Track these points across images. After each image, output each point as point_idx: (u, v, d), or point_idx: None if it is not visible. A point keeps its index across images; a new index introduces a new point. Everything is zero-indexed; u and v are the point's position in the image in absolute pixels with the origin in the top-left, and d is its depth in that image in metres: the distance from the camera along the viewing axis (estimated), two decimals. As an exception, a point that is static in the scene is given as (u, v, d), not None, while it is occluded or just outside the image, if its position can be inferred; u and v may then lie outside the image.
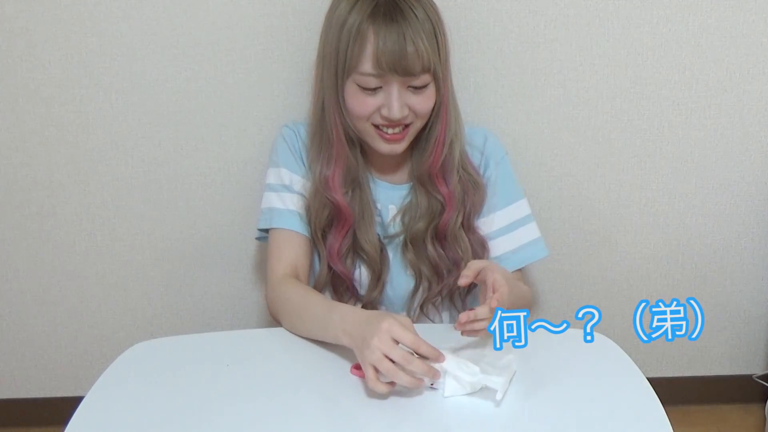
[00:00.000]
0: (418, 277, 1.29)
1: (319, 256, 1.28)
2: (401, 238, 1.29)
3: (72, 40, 1.52)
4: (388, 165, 1.30)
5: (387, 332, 0.93)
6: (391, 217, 1.30)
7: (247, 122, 1.60)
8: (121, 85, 1.56)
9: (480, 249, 1.30)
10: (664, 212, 1.74)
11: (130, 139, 1.60)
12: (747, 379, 1.92)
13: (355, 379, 0.99)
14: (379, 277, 1.27)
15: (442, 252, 1.28)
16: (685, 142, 1.68)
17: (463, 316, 0.99)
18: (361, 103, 1.16)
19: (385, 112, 1.15)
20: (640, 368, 1.03)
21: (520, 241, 1.33)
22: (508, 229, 1.33)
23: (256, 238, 1.38)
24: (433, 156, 1.24)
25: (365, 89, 1.14)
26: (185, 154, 1.62)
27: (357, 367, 1.01)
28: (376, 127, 1.19)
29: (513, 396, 0.95)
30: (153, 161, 1.62)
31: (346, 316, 1.02)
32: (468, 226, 1.29)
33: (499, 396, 0.92)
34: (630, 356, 1.06)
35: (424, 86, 1.16)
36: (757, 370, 1.92)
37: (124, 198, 1.65)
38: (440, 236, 1.28)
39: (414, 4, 1.13)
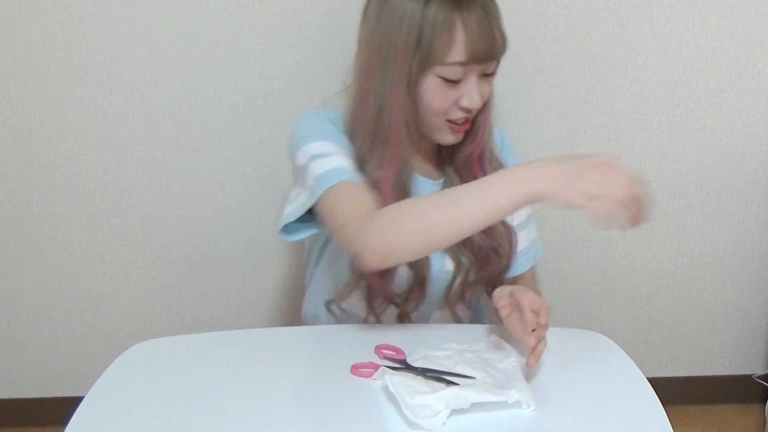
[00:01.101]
0: (458, 267, 1.24)
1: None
2: None
3: (72, 40, 1.52)
4: (425, 159, 1.26)
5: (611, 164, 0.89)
6: None
7: (247, 122, 1.60)
8: (121, 85, 1.56)
9: (511, 239, 1.26)
10: (664, 212, 1.74)
11: (130, 139, 1.60)
12: (747, 379, 1.92)
13: (355, 379, 0.99)
14: (421, 277, 1.19)
15: (486, 239, 1.22)
16: (685, 142, 1.68)
17: (532, 359, 0.98)
18: (442, 97, 1.11)
19: (465, 102, 1.12)
20: (640, 368, 1.03)
21: (531, 236, 1.33)
22: (526, 223, 1.31)
23: (282, 233, 1.21)
24: (476, 141, 1.21)
25: (449, 81, 1.10)
26: (185, 154, 1.62)
27: (357, 367, 1.01)
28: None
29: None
30: (153, 161, 1.62)
31: (522, 167, 0.94)
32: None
33: (530, 407, 0.92)
34: (630, 356, 1.06)
35: (493, 72, 1.14)
36: (757, 370, 1.92)
37: (124, 198, 1.65)
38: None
39: None
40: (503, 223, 1.24)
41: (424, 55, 1.07)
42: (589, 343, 1.12)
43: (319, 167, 1.10)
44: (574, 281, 1.79)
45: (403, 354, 1.04)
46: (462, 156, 1.22)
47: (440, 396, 0.91)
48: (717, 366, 1.92)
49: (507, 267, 1.25)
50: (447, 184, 1.24)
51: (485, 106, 1.18)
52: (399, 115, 1.12)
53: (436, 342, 1.08)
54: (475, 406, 0.90)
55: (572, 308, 1.82)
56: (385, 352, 1.04)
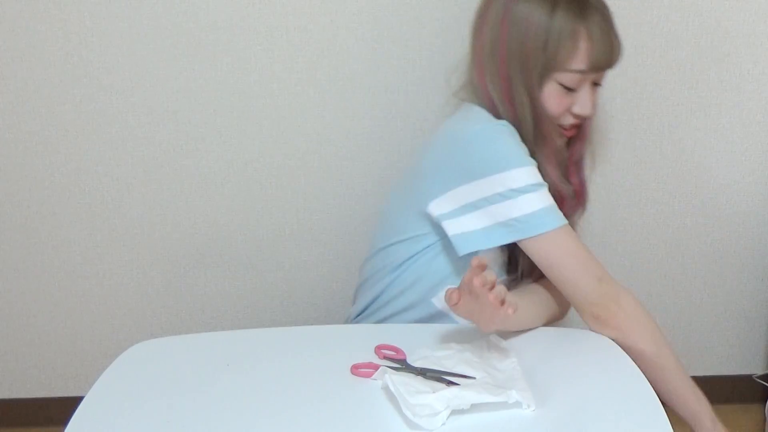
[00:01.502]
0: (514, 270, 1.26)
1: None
2: None
3: (72, 40, 1.52)
4: None
5: None
6: None
7: (246, 122, 1.60)
8: (121, 85, 1.56)
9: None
10: (664, 212, 1.74)
11: (130, 139, 1.60)
12: (747, 379, 1.92)
13: (355, 379, 0.99)
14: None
15: None
16: (685, 142, 1.68)
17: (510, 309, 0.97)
18: (559, 103, 1.16)
19: (577, 109, 1.17)
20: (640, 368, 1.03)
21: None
22: None
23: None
24: (576, 145, 1.25)
25: (566, 88, 1.15)
26: (185, 154, 1.62)
27: (357, 367, 1.01)
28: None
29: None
30: (153, 161, 1.62)
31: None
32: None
33: (531, 407, 0.92)
34: (630, 356, 1.06)
35: (599, 86, 1.20)
36: (757, 370, 1.92)
37: (124, 198, 1.65)
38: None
39: None
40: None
41: (548, 62, 1.12)
42: (589, 343, 1.12)
43: (534, 202, 1.10)
44: (574, 281, 1.79)
45: (403, 354, 1.04)
46: (560, 157, 1.24)
47: (440, 396, 0.91)
48: (717, 366, 1.92)
49: None
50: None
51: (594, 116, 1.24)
52: (546, 116, 1.16)
53: (436, 342, 1.08)
54: (475, 406, 0.90)
55: (572, 308, 1.82)
56: (385, 352, 1.04)
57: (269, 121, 1.60)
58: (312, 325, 1.26)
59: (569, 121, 1.19)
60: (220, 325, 1.76)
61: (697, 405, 1.12)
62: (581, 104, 1.17)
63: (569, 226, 1.12)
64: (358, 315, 1.35)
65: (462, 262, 1.18)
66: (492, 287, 0.95)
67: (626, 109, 1.64)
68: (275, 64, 1.56)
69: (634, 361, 1.06)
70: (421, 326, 1.17)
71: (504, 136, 1.13)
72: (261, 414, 0.93)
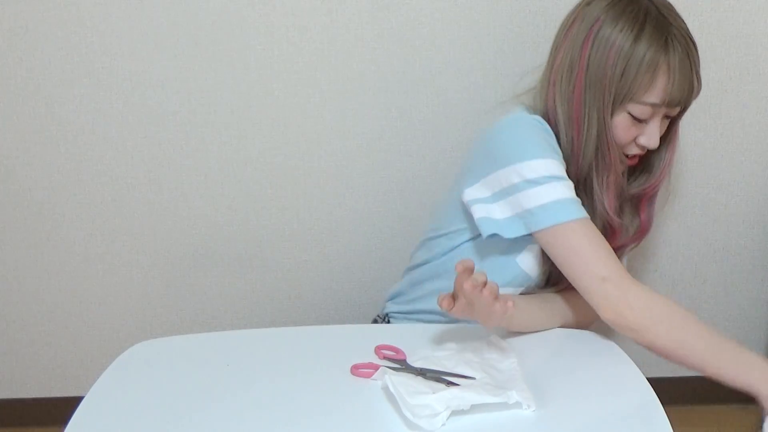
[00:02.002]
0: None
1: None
2: None
3: (72, 40, 1.52)
4: None
5: None
6: None
7: (246, 122, 1.60)
8: (121, 85, 1.56)
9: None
10: (664, 212, 1.74)
11: (130, 139, 1.60)
12: (747, 379, 1.92)
13: (355, 379, 0.99)
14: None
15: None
16: (685, 142, 1.68)
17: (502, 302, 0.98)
18: (626, 133, 1.15)
19: (643, 141, 1.15)
20: (640, 368, 1.03)
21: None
22: None
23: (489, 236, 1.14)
24: (654, 180, 1.24)
25: (637, 119, 1.13)
26: (185, 154, 1.62)
27: (357, 368, 1.01)
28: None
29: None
30: (153, 161, 1.62)
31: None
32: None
33: (531, 408, 0.92)
34: (630, 356, 1.06)
35: (673, 117, 1.18)
36: (757, 370, 1.92)
37: (124, 198, 1.65)
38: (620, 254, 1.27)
39: (691, 33, 1.13)
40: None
41: (623, 89, 1.11)
42: (589, 343, 1.12)
43: (546, 194, 1.09)
44: (574, 281, 1.79)
45: (403, 354, 1.04)
46: (635, 190, 1.25)
47: (440, 397, 0.91)
48: (717, 366, 1.91)
49: None
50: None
51: (670, 148, 1.22)
52: (614, 145, 1.15)
53: (436, 342, 1.08)
54: (475, 407, 0.90)
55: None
56: (385, 352, 1.04)
57: (269, 121, 1.60)
58: (312, 325, 1.27)
59: (633, 151, 1.18)
60: (220, 325, 1.76)
61: (747, 377, 1.07)
62: (648, 136, 1.15)
63: (584, 221, 1.09)
64: (395, 296, 1.39)
65: (492, 260, 1.20)
66: (483, 286, 0.95)
67: (626, 109, 1.64)
68: (275, 64, 1.56)
69: (663, 356, 1.06)
70: (421, 326, 1.17)
71: (529, 128, 1.14)
72: (261, 414, 0.93)
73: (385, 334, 1.11)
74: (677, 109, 1.16)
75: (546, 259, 1.17)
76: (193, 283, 1.74)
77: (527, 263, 1.18)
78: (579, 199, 1.11)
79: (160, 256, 1.71)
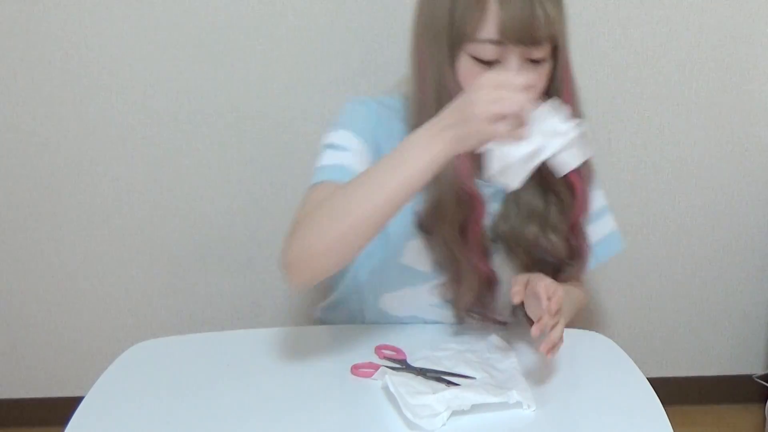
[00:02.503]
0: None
1: (458, 262, 1.08)
2: (505, 242, 1.13)
3: (72, 40, 1.52)
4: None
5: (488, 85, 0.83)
6: (493, 219, 1.13)
7: (247, 122, 1.60)
8: (121, 86, 1.56)
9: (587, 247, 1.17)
10: (664, 212, 1.74)
11: (130, 139, 1.60)
12: (747, 379, 1.92)
13: (355, 379, 0.99)
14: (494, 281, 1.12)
15: (569, 248, 1.13)
16: (685, 142, 1.68)
17: (536, 330, 0.92)
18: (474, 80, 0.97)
19: None
20: (640, 368, 1.03)
21: (603, 231, 1.20)
22: (596, 217, 1.19)
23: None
24: None
25: (481, 62, 0.98)
26: (185, 154, 1.62)
27: (357, 367, 1.01)
28: None
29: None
30: (153, 161, 1.62)
31: (424, 128, 0.89)
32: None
33: (531, 408, 0.91)
34: (630, 356, 1.06)
35: (543, 59, 1.01)
36: (757, 370, 1.92)
37: (124, 198, 1.65)
38: (573, 232, 1.13)
39: None
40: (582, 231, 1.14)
41: (455, 29, 0.99)
42: (589, 343, 1.12)
43: (326, 158, 1.08)
44: (574, 281, 1.79)
45: (403, 354, 1.04)
46: None
47: (440, 397, 0.91)
48: (717, 366, 1.92)
49: (579, 272, 1.17)
50: (521, 189, 1.09)
51: (561, 97, 1.04)
52: (456, 93, 0.99)
53: (436, 342, 1.08)
54: (476, 407, 0.90)
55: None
56: (385, 352, 1.04)
57: (269, 121, 1.60)
58: (312, 325, 1.27)
59: None
60: (220, 325, 1.76)
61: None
62: None
63: (321, 185, 1.04)
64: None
65: (380, 264, 1.16)
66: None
67: (626, 109, 1.64)
68: (275, 65, 1.56)
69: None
70: (422, 326, 1.17)
71: (358, 104, 1.12)
72: (261, 414, 0.93)
73: (385, 334, 1.11)
74: (539, 50, 0.99)
75: (434, 246, 1.09)
76: (193, 283, 1.74)
77: (412, 259, 1.12)
78: (342, 165, 1.04)
79: (160, 256, 1.71)
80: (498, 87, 0.83)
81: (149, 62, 1.54)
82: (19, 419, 1.85)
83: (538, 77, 1.00)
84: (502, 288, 1.11)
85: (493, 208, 1.11)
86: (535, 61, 0.99)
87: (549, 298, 0.96)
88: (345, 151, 1.07)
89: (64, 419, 0.91)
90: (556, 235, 1.11)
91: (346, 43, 1.56)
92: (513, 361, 1.01)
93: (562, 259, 1.13)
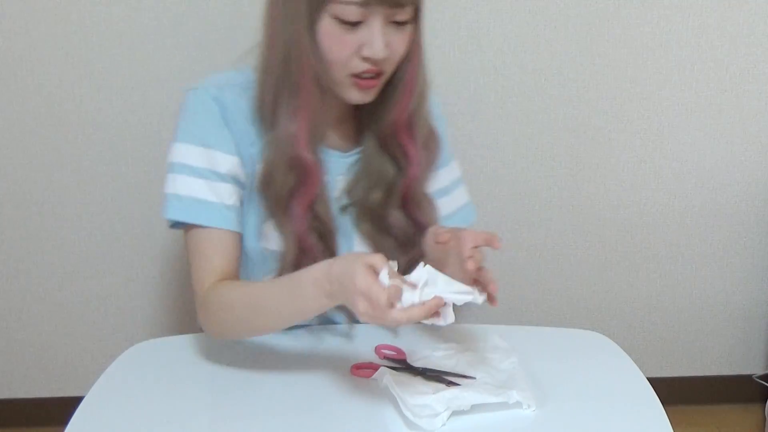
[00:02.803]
0: (378, 251, 1.10)
1: (283, 234, 1.07)
2: (354, 210, 1.13)
3: (72, 40, 1.52)
4: (337, 125, 1.12)
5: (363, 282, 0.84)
6: (340, 189, 1.13)
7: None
8: (121, 85, 1.56)
9: (434, 212, 1.16)
10: (664, 212, 1.74)
11: (130, 139, 1.60)
12: (747, 379, 1.92)
13: (355, 380, 0.99)
14: (332, 254, 1.08)
15: (410, 220, 1.13)
16: (685, 142, 1.68)
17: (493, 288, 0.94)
18: (339, 42, 0.97)
19: (367, 51, 0.97)
20: (640, 368, 1.03)
21: (458, 203, 1.22)
22: (451, 188, 1.22)
23: (171, 227, 1.08)
24: (402, 103, 1.06)
25: (345, 23, 0.96)
26: (185, 154, 1.62)
27: (357, 368, 1.01)
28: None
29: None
30: (152, 161, 1.62)
31: (312, 283, 0.91)
32: (427, 192, 1.16)
33: (531, 408, 0.91)
34: (630, 356, 1.06)
35: (406, 22, 1.00)
36: (757, 370, 1.92)
37: (124, 198, 1.65)
38: (406, 201, 1.12)
39: None
40: (428, 199, 1.16)
41: None
42: (589, 343, 1.12)
43: (179, 185, 1.04)
44: (574, 281, 1.79)
45: (403, 354, 1.04)
46: (387, 122, 1.08)
47: (440, 397, 0.91)
48: (717, 366, 1.92)
49: None
50: (363, 158, 1.12)
51: (411, 62, 1.05)
52: (307, 60, 0.99)
53: (436, 342, 1.08)
54: (476, 406, 0.90)
55: (572, 308, 1.82)
56: (385, 352, 1.04)
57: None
58: (312, 325, 1.26)
59: (360, 67, 0.99)
60: (220, 325, 1.76)
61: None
62: (370, 44, 0.97)
63: (210, 231, 1.03)
64: None
65: (245, 255, 1.13)
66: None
67: (626, 109, 1.64)
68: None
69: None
70: (422, 326, 1.17)
71: (194, 99, 1.06)
72: (261, 414, 0.93)
73: (385, 334, 1.11)
74: (403, 12, 0.98)
75: (289, 223, 1.06)
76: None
77: (268, 241, 1.09)
78: (197, 199, 1.03)
79: (160, 256, 1.71)
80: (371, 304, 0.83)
81: (149, 62, 1.54)
82: (19, 419, 1.85)
83: (401, 40, 1.00)
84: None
85: (343, 179, 1.12)
86: (398, 24, 0.99)
87: (488, 241, 0.97)
88: (218, 181, 1.04)
89: (64, 419, 0.91)
90: (399, 204, 1.12)
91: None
92: (513, 361, 1.01)
93: (404, 230, 1.13)
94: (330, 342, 1.12)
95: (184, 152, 1.05)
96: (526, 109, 1.62)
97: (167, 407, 0.95)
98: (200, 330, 1.10)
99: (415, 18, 1.02)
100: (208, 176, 1.04)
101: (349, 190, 1.13)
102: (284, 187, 1.04)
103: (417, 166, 1.11)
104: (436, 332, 1.12)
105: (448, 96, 1.60)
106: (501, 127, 1.63)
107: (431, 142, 1.14)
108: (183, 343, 1.11)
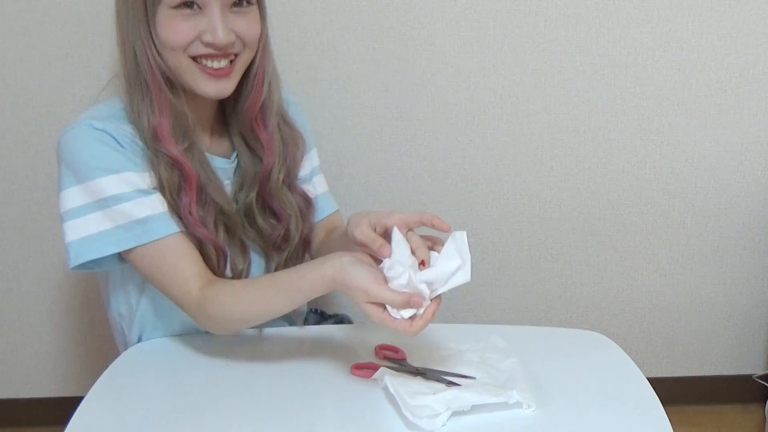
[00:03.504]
0: (266, 253, 1.17)
1: (192, 233, 1.07)
2: (240, 215, 1.15)
3: (72, 40, 1.52)
4: (214, 133, 1.16)
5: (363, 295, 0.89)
6: (230, 195, 1.15)
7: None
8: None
9: (306, 207, 1.20)
10: (664, 212, 1.74)
11: (130, 139, 1.60)
12: (747, 379, 1.92)
13: (355, 380, 0.99)
14: (243, 246, 1.13)
15: (273, 220, 1.16)
16: (685, 142, 1.68)
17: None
18: (175, 30, 1.00)
19: (208, 37, 1.00)
20: (640, 368, 1.03)
21: (316, 191, 1.26)
22: (318, 170, 1.27)
23: (75, 267, 1.05)
24: (254, 94, 1.10)
25: (179, 9, 0.99)
26: (185, 154, 1.62)
27: (357, 368, 1.01)
28: (196, 61, 1.03)
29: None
30: (153, 161, 1.62)
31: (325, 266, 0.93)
32: (291, 184, 1.18)
33: (531, 408, 0.91)
34: (630, 356, 1.06)
35: (248, 7, 1.04)
36: (757, 370, 1.92)
37: (124, 198, 1.65)
38: (266, 198, 1.15)
39: None
40: (295, 191, 1.18)
41: None
42: (589, 343, 1.12)
43: (123, 214, 1.02)
44: (574, 281, 1.79)
45: (403, 354, 1.04)
46: (244, 116, 1.12)
47: (440, 397, 0.91)
48: (717, 366, 1.92)
49: (309, 231, 1.21)
50: (239, 160, 1.15)
51: (259, 53, 1.09)
52: (150, 54, 1.02)
53: (436, 342, 1.08)
54: (476, 407, 0.90)
55: (572, 308, 1.82)
56: (385, 352, 1.04)
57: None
58: (312, 325, 1.26)
59: (201, 50, 1.01)
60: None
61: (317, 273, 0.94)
62: (210, 30, 1.00)
63: (166, 240, 1.02)
64: None
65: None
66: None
67: (626, 109, 1.64)
68: (276, 64, 1.55)
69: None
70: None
71: (91, 142, 1.06)
72: (261, 414, 0.93)
73: (385, 334, 1.11)
74: None
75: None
76: (193, 283, 1.74)
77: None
78: (162, 212, 1.03)
79: (160, 256, 1.71)
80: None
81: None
82: (19, 419, 1.85)
83: (246, 23, 1.04)
84: (244, 258, 1.12)
85: (230, 185, 1.15)
86: (239, 7, 1.02)
87: (426, 222, 0.96)
88: (143, 197, 1.03)
89: (64, 419, 0.91)
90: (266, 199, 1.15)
91: (347, 43, 1.56)
92: (513, 361, 1.01)
93: (271, 225, 1.15)
94: (330, 342, 1.12)
95: (116, 184, 1.02)
96: (526, 109, 1.62)
97: (167, 407, 0.95)
98: (199, 330, 1.10)
99: (261, 5, 1.06)
100: (133, 197, 1.02)
101: (235, 196, 1.16)
102: (171, 185, 1.05)
103: (271, 154, 1.14)
104: (436, 332, 1.12)
105: (448, 96, 1.61)
106: (501, 127, 1.63)
107: (286, 130, 1.18)
108: (183, 343, 1.11)
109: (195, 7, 1.00)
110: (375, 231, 0.96)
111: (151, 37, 1.01)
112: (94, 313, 1.76)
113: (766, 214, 1.77)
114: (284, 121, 1.18)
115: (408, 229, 0.95)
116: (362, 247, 0.96)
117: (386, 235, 0.95)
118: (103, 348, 1.78)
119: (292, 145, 1.18)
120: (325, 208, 1.27)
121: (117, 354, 1.10)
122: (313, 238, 1.23)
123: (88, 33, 1.52)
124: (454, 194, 1.69)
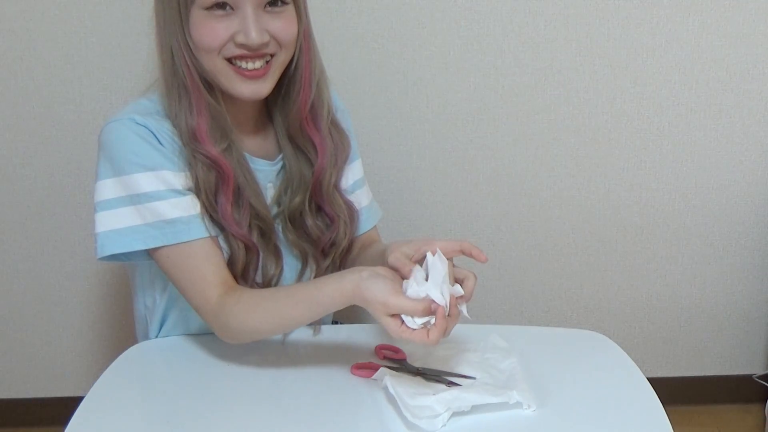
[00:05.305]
0: (304, 259, 1.15)
1: (226, 236, 1.07)
2: (282, 218, 1.14)
3: (72, 40, 1.52)
4: (258, 134, 1.15)
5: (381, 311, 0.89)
6: (271, 198, 1.14)
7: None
8: (122, 85, 1.56)
9: (350, 212, 1.18)
10: (664, 212, 1.74)
11: (130, 139, 1.60)
12: (747, 379, 1.92)
13: (355, 380, 0.99)
14: (277, 251, 1.11)
15: (321, 223, 1.15)
16: (685, 142, 1.68)
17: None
18: (209, 31, 0.99)
19: (241, 38, 0.99)
20: (640, 368, 1.03)
21: (369, 195, 1.26)
22: (362, 183, 1.24)
23: (102, 258, 1.10)
24: (302, 95, 1.09)
25: (212, 10, 0.98)
26: (185, 154, 1.62)
27: (357, 368, 1.01)
28: (231, 63, 1.02)
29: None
30: (153, 161, 1.62)
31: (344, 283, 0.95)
32: (338, 186, 1.16)
33: (531, 408, 0.91)
34: (630, 356, 1.06)
35: (283, 6, 1.02)
36: (757, 370, 1.92)
37: (124, 198, 1.65)
38: (317, 201, 1.14)
39: None
40: (341, 194, 1.17)
41: None
42: (589, 343, 1.12)
43: (155, 212, 1.02)
44: (574, 281, 1.79)
45: (403, 354, 1.04)
46: (292, 117, 1.10)
47: (441, 398, 0.91)
48: (717, 366, 1.92)
49: (352, 241, 1.19)
50: (285, 163, 1.14)
51: (303, 52, 1.07)
52: (188, 59, 1.02)
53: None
54: (476, 407, 0.90)
55: (572, 308, 1.82)
56: (385, 352, 1.04)
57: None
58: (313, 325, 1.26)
59: (234, 51, 1.00)
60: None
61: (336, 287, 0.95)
62: (243, 31, 0.98)
63: (193, 244, 1.02)
64: None
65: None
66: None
67: (626, 109, 1.64)
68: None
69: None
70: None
71: (130, 137, 1.05)
72: (261, 414, 0.93)
73: (385, 334, 1.11)
74: None
75: None
76: (193, 283, 1.74)
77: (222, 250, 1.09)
78: (192, 215, 1.03)
79: (160, 256, 1.71)
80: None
81: (149, 62, 1.54)
82: (19, 419, 1.85)
83: (282, 24, 1.02)
84: (277, 264, 1.11)
85: (272, 187, 1.14)
86: (273, 7, 1.01)
87: (466, 252, 0.95)
88: (177, 197, 1.03)
89: (64, 419, 0.91)
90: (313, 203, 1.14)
91: (347, 43, 1.56)
92: (513, 361, 1.01)
93: (321, 230, 1.15)
94: (330, 342, 1.12)
95: (152, 181, 1.03)
96: (526, 109, 1.62)
97: (167, 407, 0.95)
98: (199, 330, 1.10)
99: (297, 3, 1.04)
100: (167, 196, 1.02)
101: (278, 198, 1.14)
102: (208, 186, 1.04)
103: (324, 155, 1.12)
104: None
105: (448, 96, 1.61)
106: (501, 127, 1.63)
107: (336, 133, 1.16)
108: (183, 343, 1.11)
109: (228, 8, 0.99)
110: (412, 259, 0.95)
111: (186, 40, 1.01)
112: (95, 313, 1.76)
113: (766, 214, 1.77)
114: (333, 124, 1.16)
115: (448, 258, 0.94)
116: (395, 271, 0.95)
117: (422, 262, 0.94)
118: (103, 348, 1.79)
119: (341, 149, 1.16)
120: (365, 224, 1.23)
121: (117, 354, 1.10)
122: (351, 249, 1.21)
123: (88, 33, 1.52)
124: (454, 194, 1.69)
